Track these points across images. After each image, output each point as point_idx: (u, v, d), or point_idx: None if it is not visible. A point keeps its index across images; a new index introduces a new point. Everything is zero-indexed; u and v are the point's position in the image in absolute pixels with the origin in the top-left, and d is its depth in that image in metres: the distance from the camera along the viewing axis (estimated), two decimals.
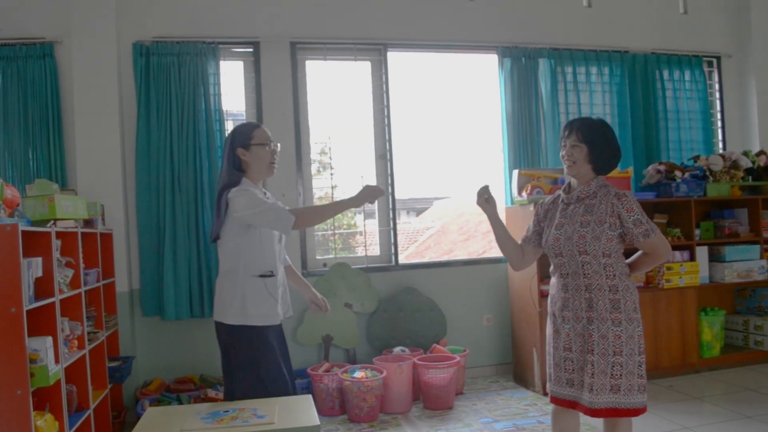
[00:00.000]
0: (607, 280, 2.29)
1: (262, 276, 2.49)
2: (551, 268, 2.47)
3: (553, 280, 2.46)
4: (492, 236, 2.57)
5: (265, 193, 2.61)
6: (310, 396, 2.36)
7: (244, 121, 2.65)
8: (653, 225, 2.30)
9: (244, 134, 2.56)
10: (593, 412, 2.25)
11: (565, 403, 2.36)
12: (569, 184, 2.45)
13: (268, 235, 2.53)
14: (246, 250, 2.48)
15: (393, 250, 4.60)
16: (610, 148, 2.37)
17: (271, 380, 2.45)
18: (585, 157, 2.34)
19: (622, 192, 2.32)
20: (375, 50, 4.61)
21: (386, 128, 4.59)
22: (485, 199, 2.50)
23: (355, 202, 2.54)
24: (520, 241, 2.58)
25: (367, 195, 2.53)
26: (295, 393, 2.52)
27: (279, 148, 2.66)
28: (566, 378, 2.34)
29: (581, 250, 2.29)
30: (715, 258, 4.61)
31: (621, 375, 2.23)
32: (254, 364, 2.45)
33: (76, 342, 2.86)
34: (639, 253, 2.39)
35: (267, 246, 2.52)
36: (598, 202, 2.32)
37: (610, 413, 2.25)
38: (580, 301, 2.32)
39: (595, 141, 2.33)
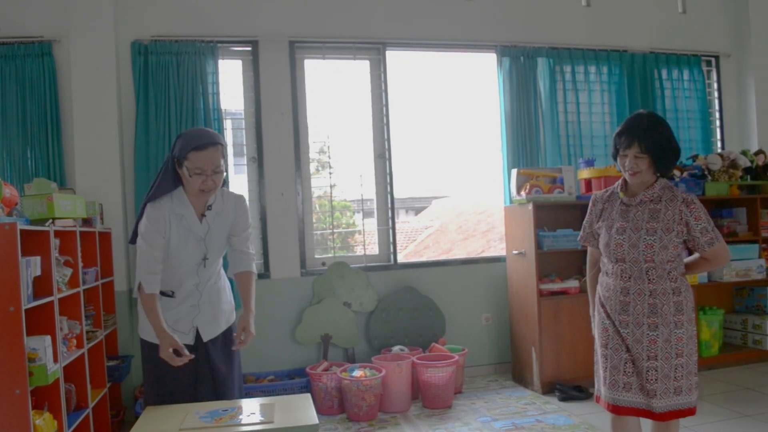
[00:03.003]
0: (670, 284, 2.23)
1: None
2: (605, 267, 2.37)
3: (609, 280, 2.34)
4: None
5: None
6: (308, 395, 2.36)
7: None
8: (717, 232, 2.26)
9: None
10: (659, 416, 2.19)
11: (624, 410, 2.25)
12: (625, 182, 2.33)
13: (174, 256, 2.37)
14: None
15: (392, 249, 4.60)
16: (673, 152, 2.25)
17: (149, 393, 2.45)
18: (649, 166, 2.23)
19: (690, 198, 2.25)
20: (374, 49, 4.61)
21: (385, 127, 4.59)
22: None
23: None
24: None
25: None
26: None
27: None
28: (624, 381, 2.25)
29: (647, 259, 2.22)
30: None
31: (682, 376, 2.20)
32: (145, 375, 2.48)
33: (74, 341, 2.86)
34: (697, 256, 2.33)
35: (170, 267, 2.38)
36: (663, 207, 2.24)
37: (674, 415, 2.20)
38: (642, 306, 2.23)
39: (658, 148, 2.21)
